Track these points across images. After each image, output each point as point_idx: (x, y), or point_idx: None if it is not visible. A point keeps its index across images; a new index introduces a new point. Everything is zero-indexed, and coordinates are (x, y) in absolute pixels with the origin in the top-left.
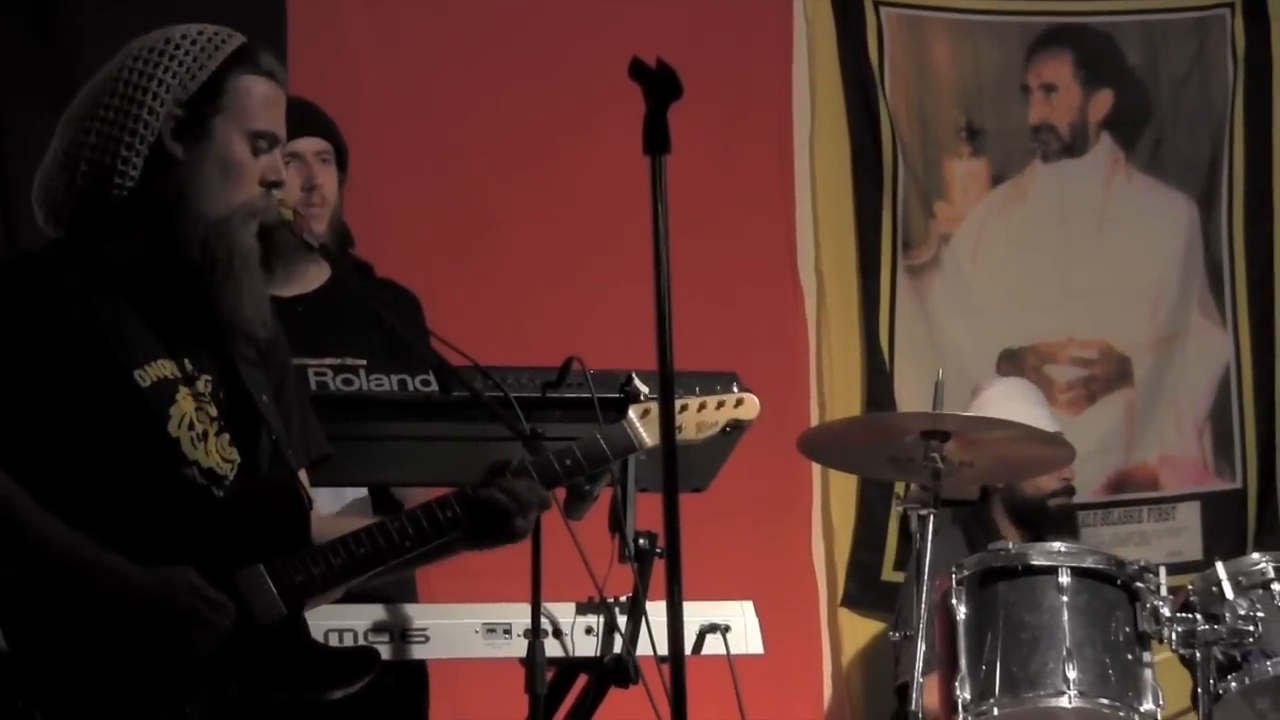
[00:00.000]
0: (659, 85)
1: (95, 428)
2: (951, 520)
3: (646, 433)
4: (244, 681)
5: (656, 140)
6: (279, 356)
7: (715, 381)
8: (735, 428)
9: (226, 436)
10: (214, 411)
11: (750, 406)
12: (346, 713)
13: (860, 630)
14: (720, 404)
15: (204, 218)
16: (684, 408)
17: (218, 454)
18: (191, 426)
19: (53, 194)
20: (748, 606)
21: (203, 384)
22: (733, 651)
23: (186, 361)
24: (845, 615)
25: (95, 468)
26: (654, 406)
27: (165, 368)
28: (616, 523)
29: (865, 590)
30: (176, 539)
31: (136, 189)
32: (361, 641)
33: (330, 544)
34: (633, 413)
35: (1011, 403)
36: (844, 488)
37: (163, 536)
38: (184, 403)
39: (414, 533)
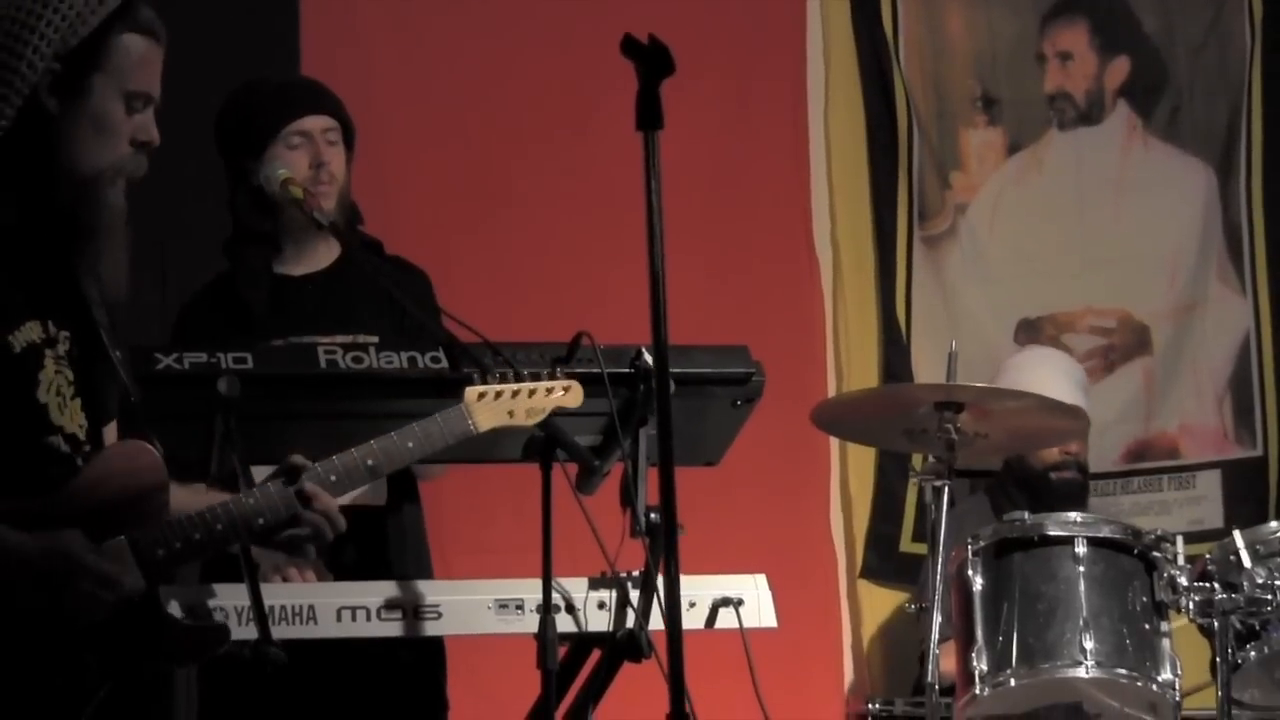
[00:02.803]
0: (651, 61)
1: None
2: (973, 490)
3: (482, 417)
4: (102, 654)
5: (649, 116)
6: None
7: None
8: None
9: (79, 401)
10: (71, 375)
11: (575, 395)
12: (365, 688)
13: (880, 601)
14: (549, 390)
15: (74, 175)
16: (516, 393)
17: (75, 420)
18: (59, 393)
19: None
20: (761, 580)
21: (63, 345)
22: (746, 625)
23: (50, 322)
24: (865, 587)
25: None
26: (490, 390)
27: (33, 331)
28: (628, 498)
29: (884, 561)
30: (43, 508)
31: (4, 140)
32: (374, 619)
33: (189, 518)
34: (468, 396)
35: (1038, 371)
36: (862, 460)
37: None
38: (49, 367)
39: (268, 511)
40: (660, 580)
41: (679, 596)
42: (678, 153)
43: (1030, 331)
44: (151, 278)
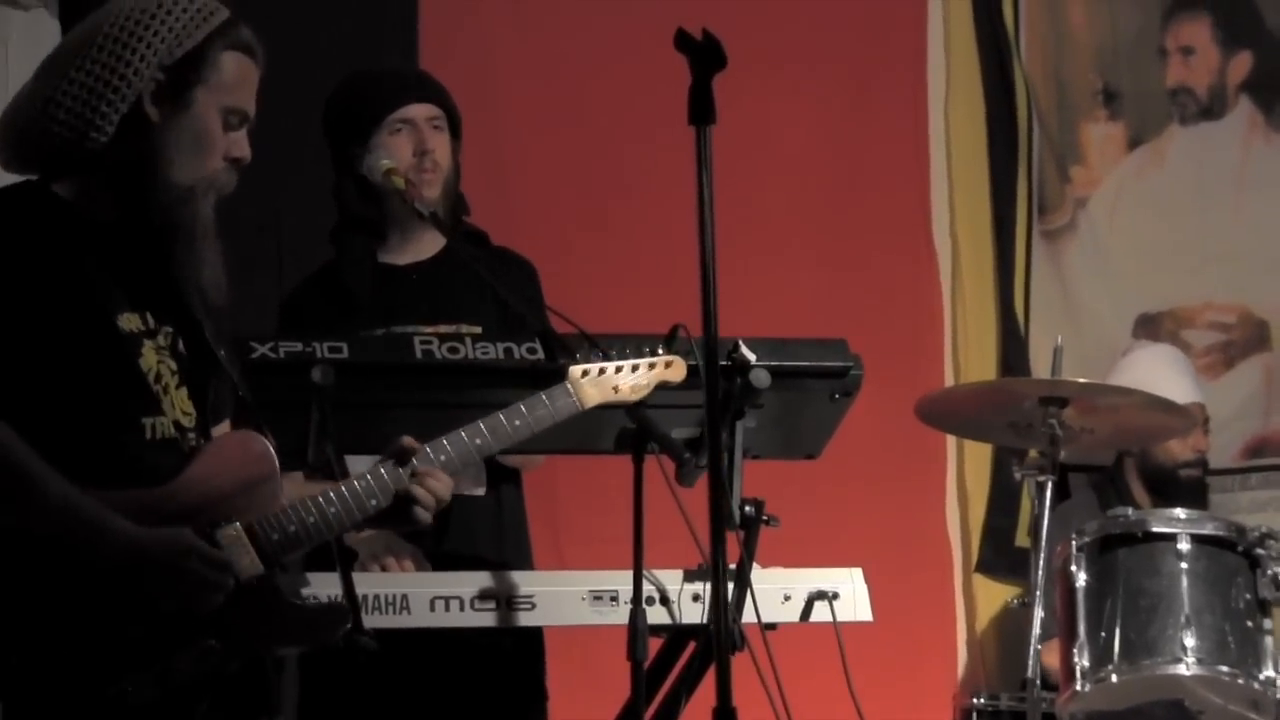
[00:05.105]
0: (703, 56)
1: (78, 372)
2: (1086, 484)
3: (587, 394)
4: (225, 638)
5: (701, 111)
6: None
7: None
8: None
9: (185, 390)
10: (174, 365)
11: (678, 369)
12: (465, 677)
13: (994, 596)
14: (651, 365)
15: (171, 185)
16: (620, 369)
17: (179, 407)
18: (158, 379)
19: (24, 136)
20: (857, 574)
21: (164, 337)
22: (840, 619)
23: (148, 314)
24: (979, 581)
25: (75, 411)
26: (594, 367)
27: (132, 320)
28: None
29: (999, 556)
30: (157, 499)
31: (107, 144)
32: (468, 609)
33: (302, 503)
34: (572, 374)
35: (1153, 369)
36: (978, 453)
37: (137, 487)
38: (149, 356)
39: (382, 493)
40: (755, 573)
41: (726, 589)
42: (798, 146)
43: (1149, 326)
44: (267, 269)
